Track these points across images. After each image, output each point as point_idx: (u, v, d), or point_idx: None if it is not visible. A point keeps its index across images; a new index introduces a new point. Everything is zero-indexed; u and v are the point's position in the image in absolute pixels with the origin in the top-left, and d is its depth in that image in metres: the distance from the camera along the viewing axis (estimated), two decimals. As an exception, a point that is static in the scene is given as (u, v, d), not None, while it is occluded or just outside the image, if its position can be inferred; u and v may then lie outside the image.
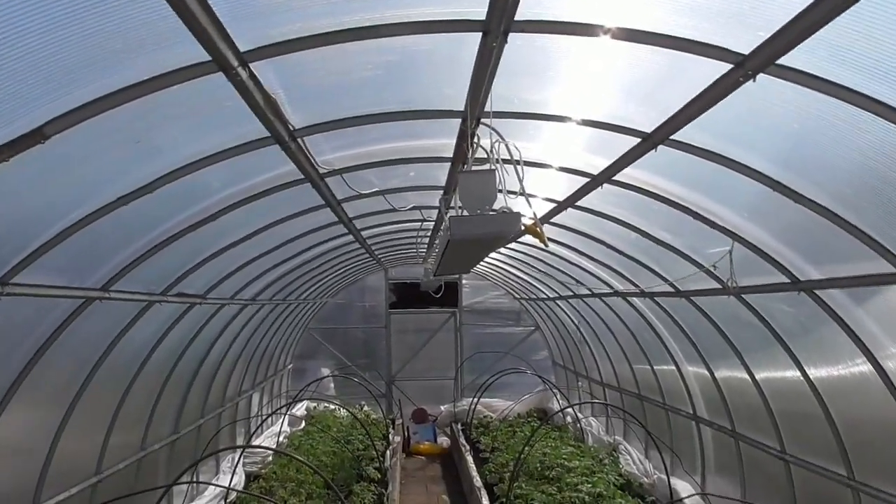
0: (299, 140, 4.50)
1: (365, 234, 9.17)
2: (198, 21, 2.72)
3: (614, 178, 5.43)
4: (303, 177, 5.39)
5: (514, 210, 3.88)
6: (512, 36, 3.23)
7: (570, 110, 4.51)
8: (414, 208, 7.58)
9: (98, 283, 5.01)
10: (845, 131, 3.57)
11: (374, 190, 6.36)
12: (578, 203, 6.50)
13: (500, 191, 3.97)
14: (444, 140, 5.13)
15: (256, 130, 4.15)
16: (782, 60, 3.11)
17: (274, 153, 4.56)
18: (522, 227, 3.94)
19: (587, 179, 5.73)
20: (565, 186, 6.22)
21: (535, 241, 9.20)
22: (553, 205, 6.82)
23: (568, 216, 7.03)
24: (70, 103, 3.04)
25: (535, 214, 4.29)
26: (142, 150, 3.93)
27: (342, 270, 12.95)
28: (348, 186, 5.92)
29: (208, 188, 4.99)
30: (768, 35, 2.97)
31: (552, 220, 7.41)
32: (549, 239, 8.78)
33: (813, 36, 2.86)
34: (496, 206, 3.95)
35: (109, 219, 4.16)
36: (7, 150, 3.06)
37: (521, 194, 4.16)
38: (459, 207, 4.16)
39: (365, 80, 4.17)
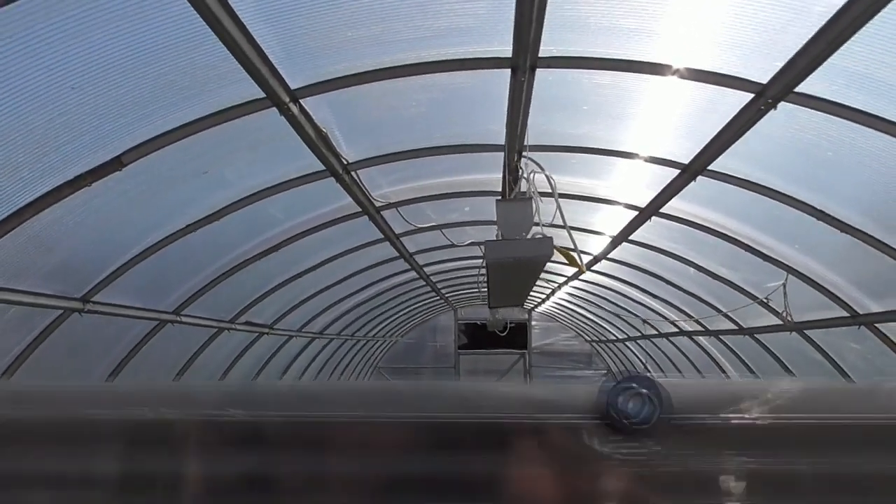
0: (353, 173, 4.82)
1: (428, 270, 9.44)
2: (251, 62, 3.08)
3: (661, 210, 5.51)
4: (360, 210, 5.72)
5: (548, 236, 4.04)
6: (539, 71, 3.46)
7: (608, 143, 4.67)
8: (472, 243, 7.80)
9: (171, 307, 5.44)
10: (877, 156, 3.59)
11: (430, 224, 6.63)
12: (632, 237, 6.57)
13: (538, 223, 4.16)
14: (493, 175, 5.36)
15: (311, 164, 4.50)
16: (800, 88, 3.21)
17: (330, 186, 4.90)
18: (553, 251, 4.10)
19: (635, 213, 5.83)
20: (616, 220, 6.32)
21: (601, 279, 9.27)
22: (606, 238, 6.91)
23: (624, 251, 7.10)
24: (144, 135, 3.46)
25: (573, 240, 4.43)
26: (208, 180, 4.33)
27: (410, 309, 13.25)
28: (405, 220, 6.21)
29: (271, 219, 5.37)
30: (783, 63, 3.08)
31: (609, 256, 7.49)
32: (607, 275, 8.82)
33: (825, 63, 2.96)
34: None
35: (179, 245, 4.58)
36: (90, 176, 3.49)
37: (561, 226, 4.33)
38: (500, 236, 4.37)
39: (412, 116, 4.47)
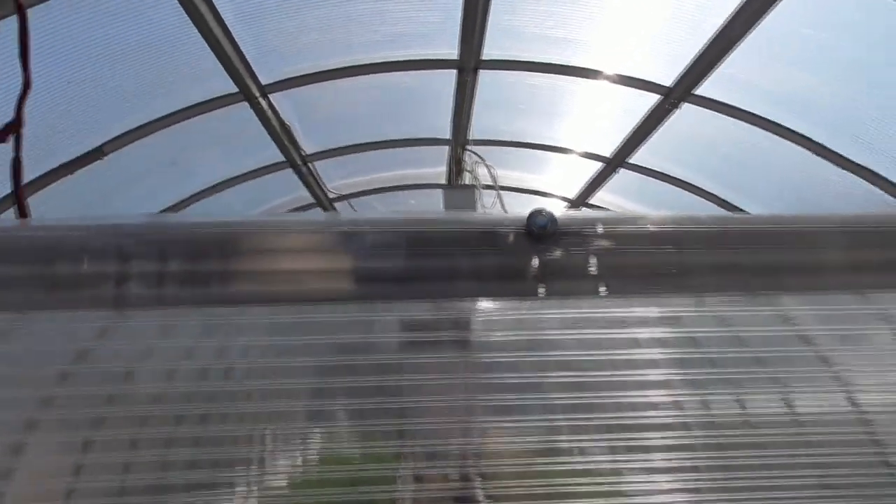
0: (310, 164, 5.24)
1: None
2: (230, 59, 3.49)
3: (588, 200, 6.12)
4: (314, 201, 6.13)
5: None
6: (482, 73, 3.98)
7: (542, 139, 5.24)
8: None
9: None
10: (764, 153, 4.25)
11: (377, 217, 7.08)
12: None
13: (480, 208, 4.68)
14: (437, 168, 5.86)
15: (273, 155, 4.90)
16: (698, 91, 3.83)
17: (288, 177, 5.30)
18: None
19: (568, 204, 6.43)
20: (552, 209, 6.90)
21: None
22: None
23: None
24: (126, 126, 3.81)
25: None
26: (178, 171, 4.68)
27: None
28: (354, 211, 6.65)
29: (231, 210, 5.73)
30: (684, 69, 3.69)
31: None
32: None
33: (716, 70, 3.58)
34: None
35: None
36: (75, 165, 3.82)
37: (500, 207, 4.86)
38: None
39: (366, 113, 4.93)
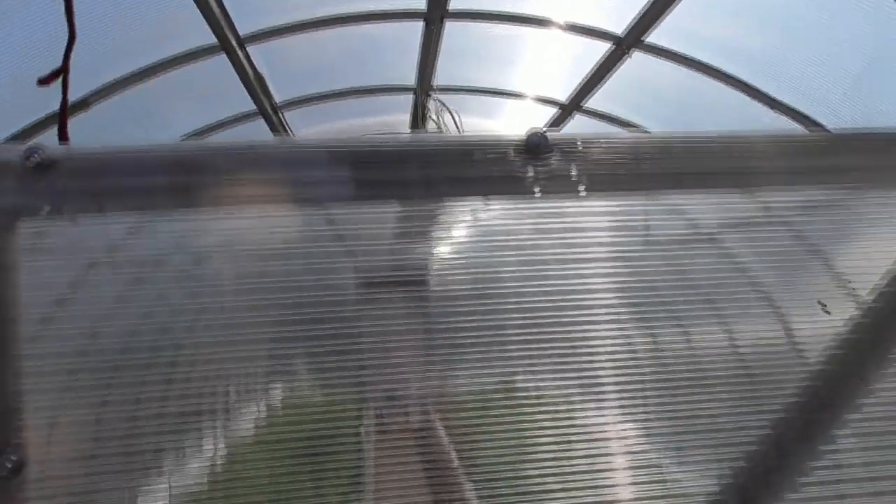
0: (280, 113, 5.45)
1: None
2: (212, 11, 3.69)
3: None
4: (282, 150, 6.34)
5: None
6: (447, 23, 4.25)
7: (502, 86, 5.55)
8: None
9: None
10: (708, 99, 4.65)
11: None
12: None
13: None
14: (400, 117, 6.12)
15: (246, 105, 5.10)
16: (648, 40, 4.18)
17: (260, 126, 5.51)
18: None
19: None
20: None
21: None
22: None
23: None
24: (110, 77, 3.98)
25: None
26: (155, 122, 4.86)
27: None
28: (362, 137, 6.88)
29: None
30: (634, 18, 4.03)
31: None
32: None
33: (664, 20, 3.92)
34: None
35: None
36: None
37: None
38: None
39: (336, 64, 5.15)
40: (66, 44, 2.06)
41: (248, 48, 4.26)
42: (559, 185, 1.34)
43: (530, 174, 1.34)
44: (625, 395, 1.30)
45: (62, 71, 2.04)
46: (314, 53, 4.91)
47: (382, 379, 1.40)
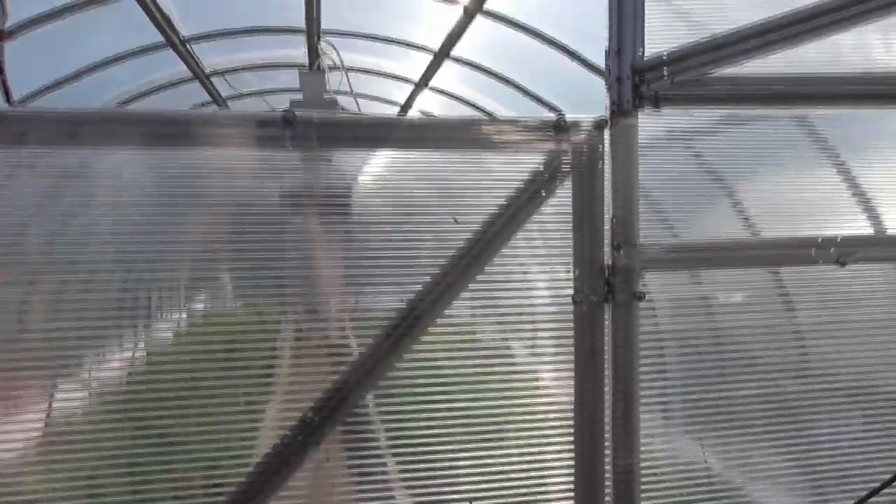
0: (188, 45, 6.25)
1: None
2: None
3: (430, 84, 7.45)
4: (192, 75, 7.12)
5: (335, 98, 5.86)
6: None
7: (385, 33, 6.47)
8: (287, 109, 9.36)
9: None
10: (545, 61, 5.70)
11: (252, 90, 8.15)
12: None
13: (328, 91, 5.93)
14: (296, 51, 6.97)
15: (157, 38, 5.89)
16: (487, 7, 5.16)
17: (169, 55, 6.30)
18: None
19: (413, 86, 7.74)
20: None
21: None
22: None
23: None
24: (34, 13, 4.75)
25: (357, 103, 6.30)
26: (76, 53, 5.63)
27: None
28: (230, 87, 7.69)
29: (120, 81, 6.68)
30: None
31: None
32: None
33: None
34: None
35: (49, 99, 5.86)
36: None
37: (347, 92, 6.13)
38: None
39: (236, 4, 5.97)
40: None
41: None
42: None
43: (560, 140, 2.39)
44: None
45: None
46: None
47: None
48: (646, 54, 2.24)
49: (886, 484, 2.41)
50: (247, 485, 2.06)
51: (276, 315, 2.00)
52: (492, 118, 2.49)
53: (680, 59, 2.24)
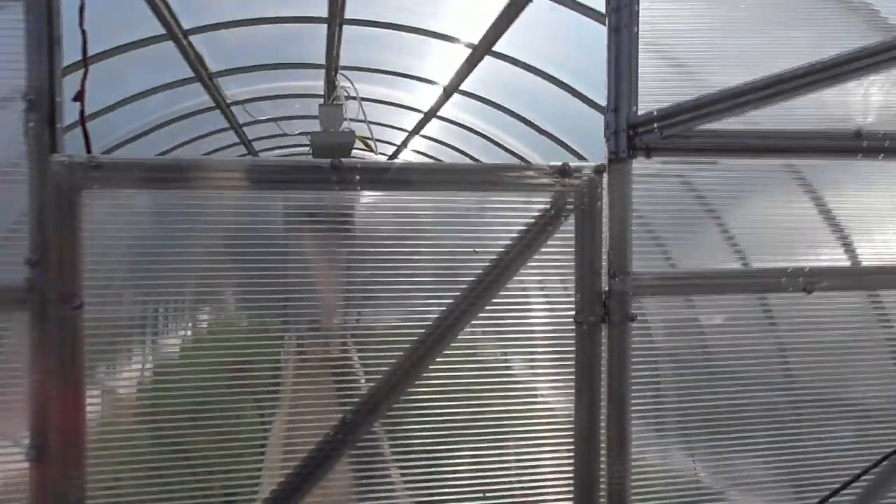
0: (214, 80, 6.68)
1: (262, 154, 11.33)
2: (160, 8, 4.90)
3: (438, 113, 7.88)
4: (214, 105, 7.56)
5: (352, 129, 6.28)
6: (346, 27, 5.57)
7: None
8: (301, 133, 9.80)
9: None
10: (551, 97, 6.13)
11: (267, 117, 8.61)
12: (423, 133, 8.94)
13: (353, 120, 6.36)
14: (319, 82, 7.41)
15: (188, 73, 6.33)
16: (496, 48, 5.59)
17: (197, 88, 6.74)
18: (355, 139, 6.36)
19: (421, 115, 8.17)
20: (410, 120, 8.64)
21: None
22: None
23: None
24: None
25: (371, 131, 6.70)
26: (118, 83, 6.07)
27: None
28: (248, 114, 8.14)
29: (149, 110, 7.12)
30: (485, 30, 5.41)
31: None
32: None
33: (507, 33, 5.30)
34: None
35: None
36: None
37: (362, 120, 6.55)
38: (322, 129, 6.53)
39: (259, 47, 6.42)
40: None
41: (190, 38, 5.49)
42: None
43: (564, 181, 2.78)
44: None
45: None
46: (245, 41, 6.15)
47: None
48: (639, 110, 2.63)
49: (846, 485, 2.77)
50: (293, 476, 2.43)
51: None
52: (510, 165, 2.86)
53: (668, 115, 2.65)
